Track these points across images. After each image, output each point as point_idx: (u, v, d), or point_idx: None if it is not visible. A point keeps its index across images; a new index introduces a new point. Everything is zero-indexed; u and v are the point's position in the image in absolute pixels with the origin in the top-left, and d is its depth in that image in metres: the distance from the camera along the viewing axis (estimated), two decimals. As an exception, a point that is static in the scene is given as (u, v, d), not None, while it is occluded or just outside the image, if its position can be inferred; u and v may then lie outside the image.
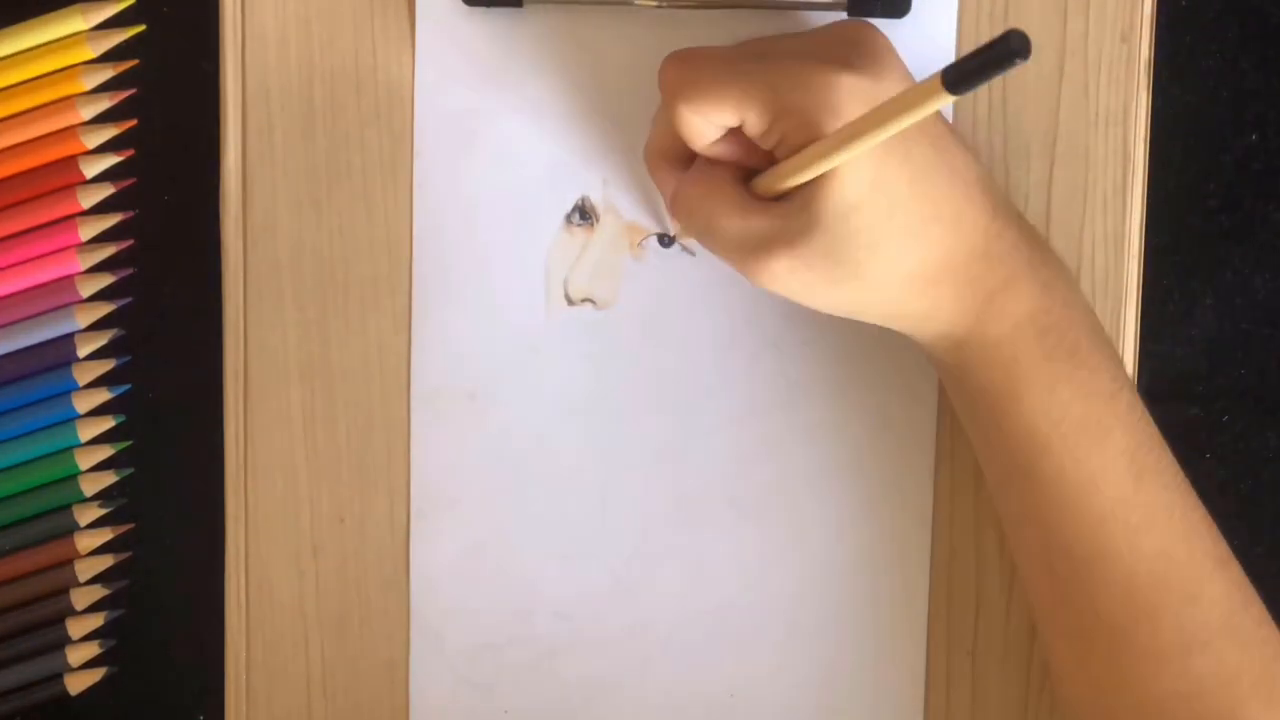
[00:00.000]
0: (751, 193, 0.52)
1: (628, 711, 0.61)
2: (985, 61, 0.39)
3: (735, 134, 0.52)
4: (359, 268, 0.59)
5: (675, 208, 0.54)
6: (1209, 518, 0.53)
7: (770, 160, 0.51)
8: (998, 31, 0.57)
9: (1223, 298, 0.60)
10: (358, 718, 0.61)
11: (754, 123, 0.50)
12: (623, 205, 0.59)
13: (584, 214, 0.59)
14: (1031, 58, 0.57)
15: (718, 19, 0.58)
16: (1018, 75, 0.58)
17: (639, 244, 0.59)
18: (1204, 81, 0.60)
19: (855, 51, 0.50)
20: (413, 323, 0.59)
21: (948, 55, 0.58)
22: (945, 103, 0.42)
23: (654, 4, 0.58)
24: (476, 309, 0.59)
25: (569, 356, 0.59)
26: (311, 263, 0.59)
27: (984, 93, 0.58)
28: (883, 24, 0.57)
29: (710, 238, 0.53)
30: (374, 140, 0.59)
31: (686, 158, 0.54)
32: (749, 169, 0.52)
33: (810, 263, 0.50)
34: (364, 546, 0.60)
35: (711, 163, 0.53)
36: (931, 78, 0.41)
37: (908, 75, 0.51)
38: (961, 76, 0.40)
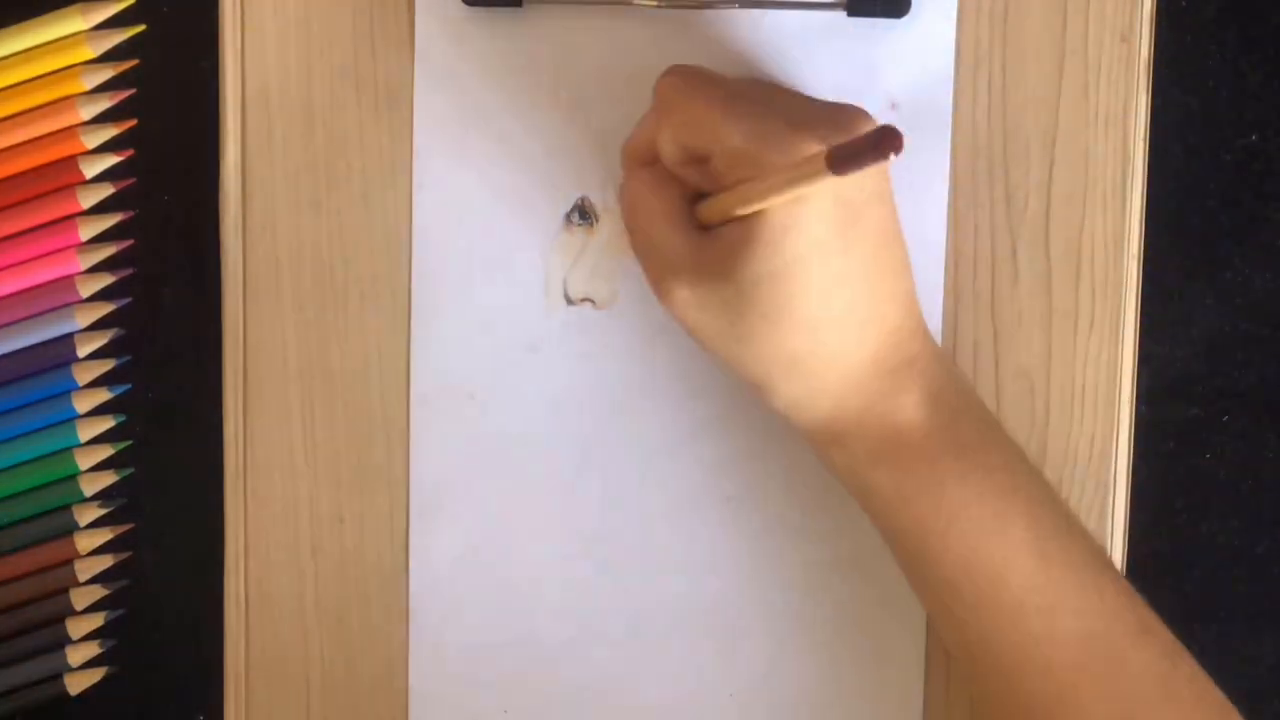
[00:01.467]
0: (693, 216, 0.52)
1: (626, 711, 0.61)
2: (861, 153, 0.42)
3: (700, 162, 0.51)
4: (358, 267, 0.59)
5: (621, 197, 0.54)
6: (1128, 588, 0.52)
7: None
8: (997, 33, 0.58)
9: (1223, 298, 0.60)
10: (357, 717, 0.61)
11: (720, 160, 0.50)
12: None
13: (584, 214, 0.59)
14: (1031, 57, 0.58)
15: (717, 19, 0.58)
16: (1018, 75, 0.58)
17: (639, 244, 0.59)
18: (1204, 81, 0.59)
19: (831, 121, 0.50)
20: (412, 322, 0.59)
21: (947, 55, 0.58)
22: (817, 184, 0.45)
23: (654, 4, 0.58)
24: (476, 309, 0.59)
25: (568, 356, 0.59)
26: (311, 262, 0.59)
27: (984, 92, 0.58)
28: (882, 24, 0.57)
29: (638, 238, 0.53)
30: (373, 140, 0.59)
31: (658, 162, 0.54)
32: (703, 194, 0.52)
33: (705, 303, 0.50)
34: (363, 546, 0.60)
35: (662, 171, 0.53)
36: (815, 157, 0.43)
37: (881, 170, 0.50)
38: (842, 158, 0.42)
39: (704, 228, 0.51)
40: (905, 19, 0.57)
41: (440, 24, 0.58)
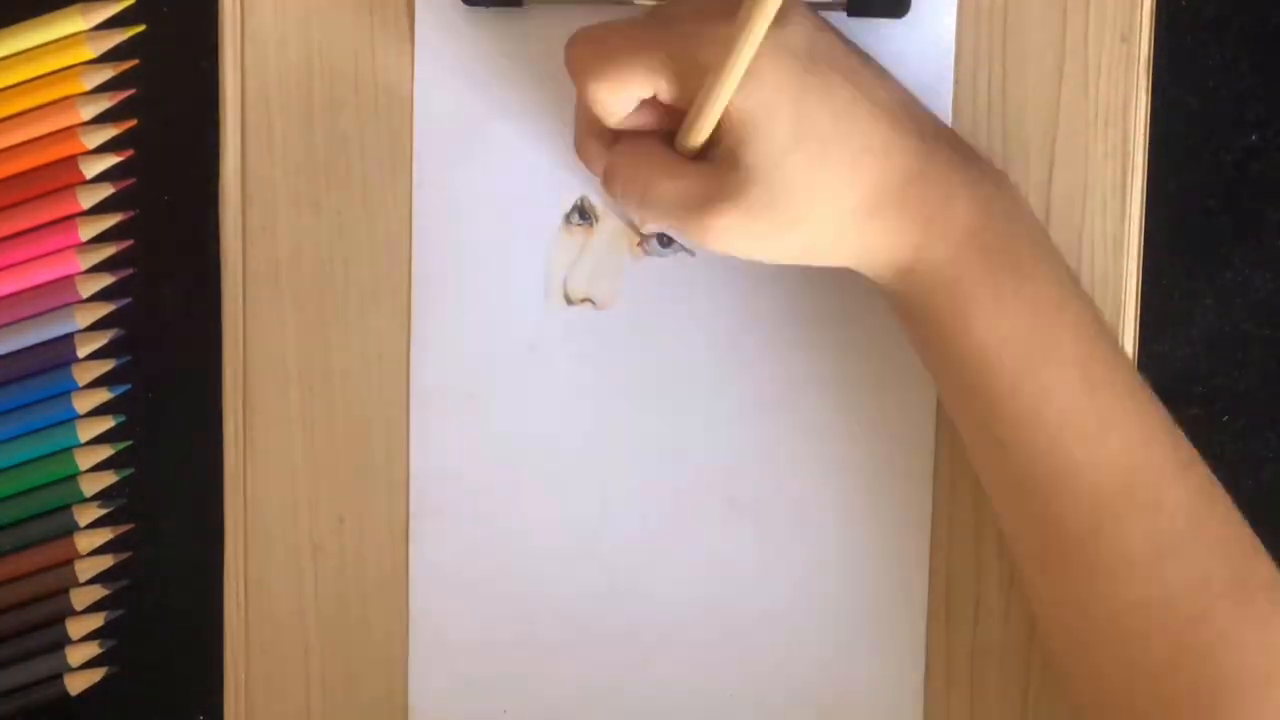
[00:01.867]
0: (680, 155, 0.52)
1: (627, 711, 0.61)
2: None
3: (651, 102, 0.52)
4: (358, 267, 0.59)
5: (608, 182, 0.54)
6: (1170, 421, 0.52)
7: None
8: (997, 33, 0.58)
9: (1223, 298, 0.60)
10: (357, 717, 0.61)
11: (666, 89, 0.50)
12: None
13: (583, 214, 0.59)
14: (1031, 56, 0.58)
15: (717, 19, 0.58)
16: (1017, 75, 0.58)
17: (638, 244, 0.59)
18: (1204, 81, 0.59)
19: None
20: (412, 322, 0.59)
21: (947, 55, 0.58)
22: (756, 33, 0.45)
23: (652, 4, 0.57)
24: (476, 309, 0.59)
25: (568, 356, 0.59)
26: (311, 262, 0.59)
27: (984, 92, 0.58)
28: (882, 24, 0.57)
29: (648, 206, 0.53)
30: (373, 140, 0.59)
31: (614, 138, 0.54)
32: (673, 134, 0.52)
33: (755, 214, 0.50)
34: (363, 546, 0.60)
35: (636, 134, 0.53)
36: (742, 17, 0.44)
37: (807, 14, 0.51)
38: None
39: (695, 158, 0.52)
40: (905, 19, 0.57)
41: (440, 24, 0.58)
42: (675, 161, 0.52)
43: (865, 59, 0.52)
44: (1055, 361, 0.51)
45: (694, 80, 0.50)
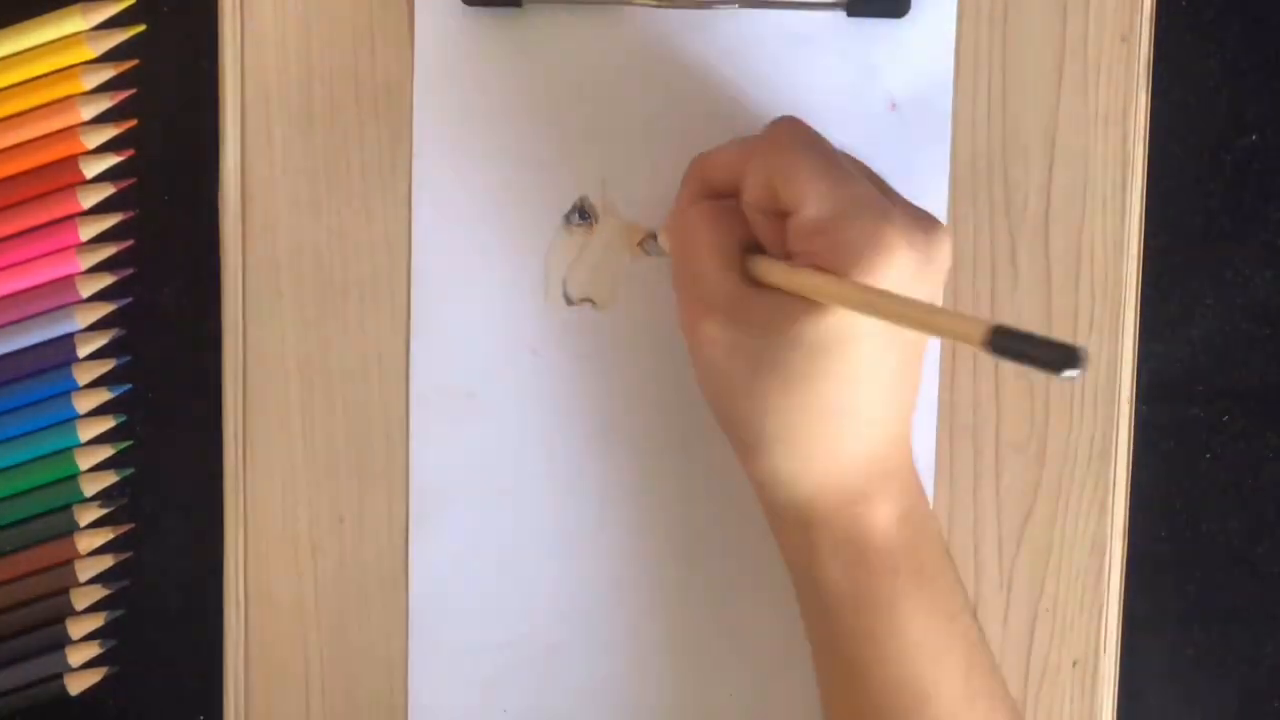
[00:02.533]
0: (740, 259, 0.51)
1: (625, 711, 0.61)
2: (1033, 352, 0.39)
3: (780, 216, 0.50)
4: (358, 267, 0.59)
5: (681, 217, 0.53)
6: None
7: (773, 248, 0.51)
8: (997, 33, 0.58)
9: (1223, 298, 0.60)
10: (356, 717, 0.61)
11: (803, 224, 0.49)
12: (622, 206, 0.59)
13: (583, 214, 0.59)
14: (1031, 57, 0.58)
15: (716, 19, 0.58)
16: (1017, 75, 0.58)
17: (638, 244, 0.59)
18: (1204, 81, 0.60)
19: (920, 229, 0.49)
20: (412, 322, 0.59)
21: (947, 55, 0.58)
22: (971, 345, 0.41)
23: (652, 4, 0.58)
24: (475, 309, 0.59)
25: (568, 357, 0.59)
26: (310, 262, 0.59)
27: (984, 92, 0.58)
28: (881, 24, 0.57)
29: (684, 266, 0.52)
30: (373, 140, 0.59)
31: (728, 187, 0.53)
32: (755, 240, 0.51)
33: (733, 350, 0.50)
34: (363, 546, 0.60)
35: (731, 208, 0.52)
36: (977, 322, 0.41)
37: (944, 275, 0.50)
38: (1003, 345, 0.40)
39: (752, 279, 0.51)
40: (905, 19, 0.57)
41: (440, 24, 0.58)
42: (734, 259, 0.51)
43: (923, 351, 0.52)
44: (941, 667, 0.52)
45: (826, 239, 0.48)
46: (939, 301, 0.50)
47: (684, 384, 0.59)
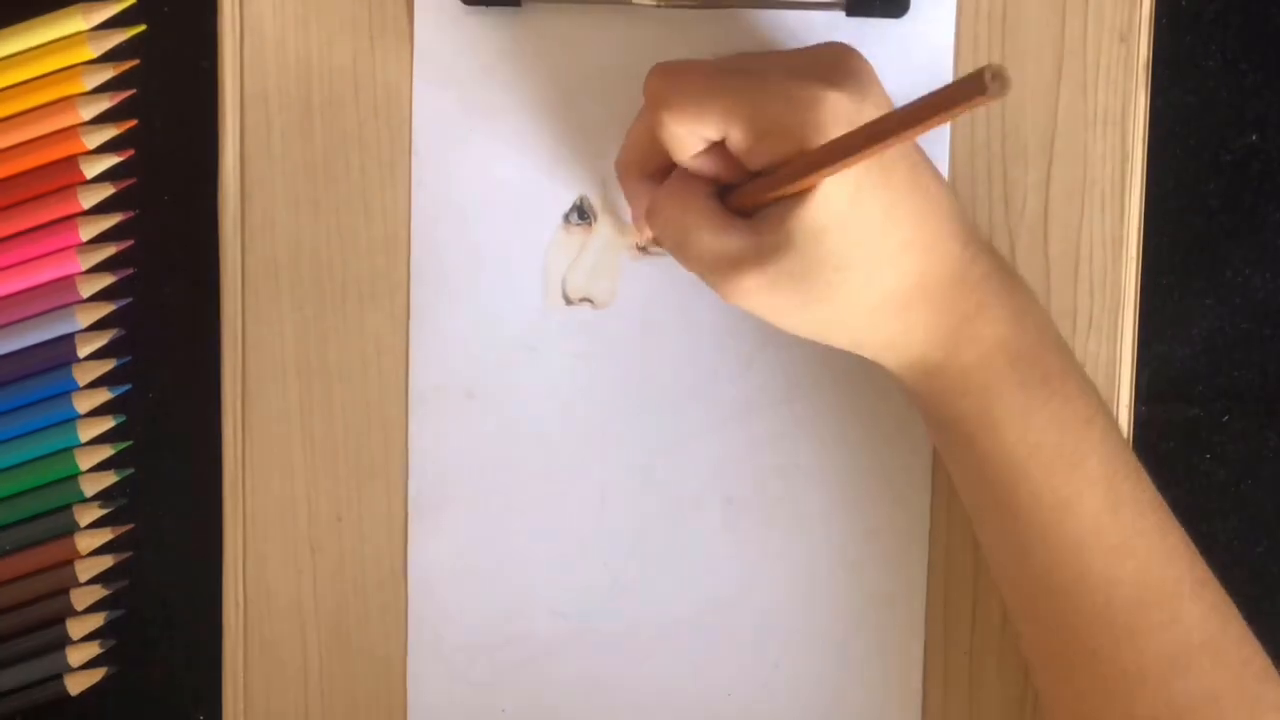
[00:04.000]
0: (727, 208, 0.52)
1: (625, 710, 0.61)
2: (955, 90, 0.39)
3: (714, 149, 0.51)
4: (357, 266, 0.59)
5: (651, 219, 0.54)
6: (1187, 539, 0.53)
7: (745, 178, 0.51)
8: (996, 33, 0.58)
9: (1223, 298, 0.60)
10: (355, 716, 0.61)
11: (737, 138, 0.50)
12: (621, 205, 0.59)
13: (582, 213, 0.59)
14: (1030, 56, 0.58)
15: (716, 19, 0.58)
16: (1016, 75, 0.58)
17: (637, 244, 0.59)
18: (1204, 81, 0.59)
19: (839, 71, 0.50)
20: (410, 321, 0.59)
21: (946, 55, 0.58)
22: (933, 126, 0.41)
23: (652, 4, 0.58)
24: (474, 308, 0.59)
25: (567, 356, 0.59)
26: (309, 261, 0.59)
27: (982, 92, 0.58)
28: (881, 24, 0.57)
29: (683, 251, 0.52)
30: (372, 139, 0.59)
31: (659, 170, 0.54)
32: (724, 184, 0.52)
33: (778, 282, 0.50)
34: (361, 545, 0.60)
35: (688, 176, 0.52)
36: (887, 119, 0.42)
37: (887, 98, 0.51)
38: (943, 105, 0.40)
39: (741, 213, 0.51)
40: (904, 19, 0.57)
41: (439, 23, 0.58)
42: (720, 215, 0.51)
43: (926, 159, 0.52)
44: (1080, 477, 0.52)
45: (768, 136, 0.49)
46: (889, 104, 0.50)
47: (682, 383, 0.59)
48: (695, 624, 0.60)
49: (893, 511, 0.59)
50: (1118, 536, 0.52)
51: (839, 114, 0.48)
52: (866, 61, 0.51)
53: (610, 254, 0.59)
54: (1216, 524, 0.60)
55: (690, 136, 0.51)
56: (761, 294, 0.51)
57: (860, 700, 0.60)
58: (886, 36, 0.58)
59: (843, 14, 0.57)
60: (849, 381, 0.59)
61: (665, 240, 0.53)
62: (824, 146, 0.47)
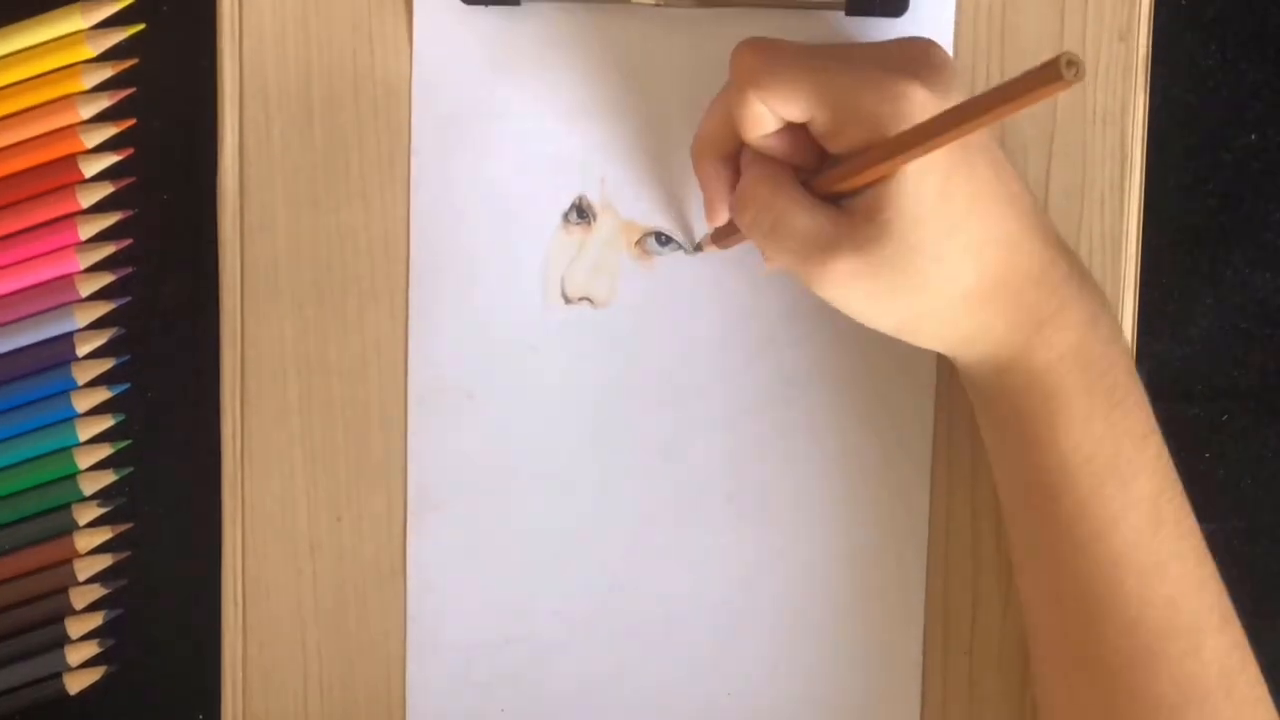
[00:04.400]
0: (809, 193, 0.51)
1: (624, 711, 0.60)
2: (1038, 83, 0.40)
3: (790, 131, 0.51)
4: (356, 265, 0.59)
5: (742, 204, 0.53)
6: (1217, 573, 0.53)
7: (817, 162, 0.51)
8: (995, 32, 0.58)
9: (1223, 298, 0.60)
10: (354, 715, 0.61)
11: (822, 121, 0.50)
12: (621, 204, 0.59)
13: (581, 213, 0.59)
14: (1029, 55, 0.58)
15: (716, 18, 0.58)
16: (1015, 73, 0.58)
17: (636, 243, 0.59)
18: (1203, 81, 0.59)
19: (926, 66, 0.50)
20: (410, 321, 0.59)
21: (946, 54, 0.58)
22: (1010, 113, 0.42)
23: (652, 3, 0.58)
24: (474, 307, 0.59)
25: (566, 355, 0.59)
26: (308, 260, 0.59)
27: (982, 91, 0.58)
28: (881, 24, 0.57)
29: (775, 236, 0.51)
30: (371, 138, 0.59)
31: (734, 152, 0.54)
32: (799, 169, 0.52)
33: (877, 269, 0.50)
34: (361, 544, 0.60)
35: (772, 161, 0.52)
36: (1042, 70, 0.41)
37: (952, 71, 0.51)
38: (1013, 96, 0.42)
39: (828, 198, 0.51)
40: (904, 19, 0.58)
41: (438, 22, 0.58)
42: (810, 199, 0.51)
43: (1005, 159, 0.52)
44: (1130, 492, 0.52)
45: (855, 125, 0.49)
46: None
47: (681, 381, 0.59)
48: (695, 624, 0.60)
49: (893, 511, 0.59)
50: (1154, 557, 0.52)
51: (926, 107, 0.48)
52: (950, 57, 0.51)
53: (610, 253, 0.59)
54: (1216, 524, 0.60)
55: (769, 115, 0.51)
56: (856, 281, 0.50)
57: (860, 699, 0.60)
58: (886, 36, 0.58)
59: (842, 14, 0.57)
60: (848, 380, 0.59)
61: (755, 227, 0.52)
62: (909, 131, 0.47)
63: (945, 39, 0.58)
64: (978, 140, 0.50)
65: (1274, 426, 0.60)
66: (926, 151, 0.47)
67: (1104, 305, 0.53)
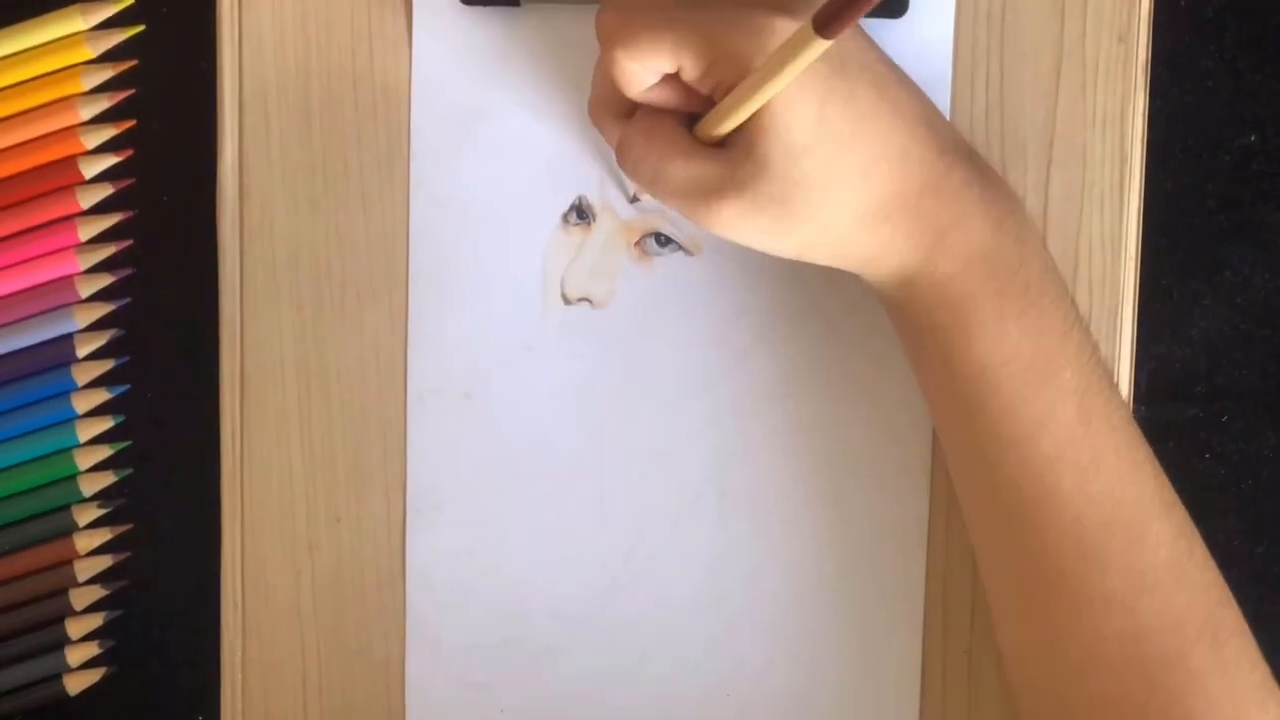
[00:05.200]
0: (696, 138, 0.52)
1: (624, 710, 0.60)
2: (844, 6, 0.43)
3: (672, 80, 0.52)
4: (355, 267, 0.59)
5: (621, 155, 0.54)
6: (1155, 460, 0.53)
7: (710, 105, 0.51)
8: (995, 32, 0.58)
9: (1223, 298, 0.60)
10: (354, 716, 0.61)
11: (690, 67, 0.50)
12: (620, 204, 0.59)
13: (581, 213, 0.59)
14: (1029, 57, 0.58)
15: (715, 19, 0.58)
16: (1015, 75, 0.58)
17: (636, 243, 0.59)
18: (1203, 81, 0.59)
19: None
20: (409, 322, 0.59)
21: (945, 55, 0.58)
22: (813, 55, 0.45)
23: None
24: (473, 308, 0.59)
25: (565, 356, 0.59)
26: (308, 262, 0.59)
27: (981, 92, 0.58)
28: (880, 24, 0.57)
29: (658, 185, 0.52)
30: (371, 139, 0.59)
31: (630, 109, 0.54)
32: (691, 116, 0.52)
33: (760, 206, 0.50)
34: (360, 545, 0.60)
35: (654, 110, 0.53)
36: (802, 33, 0.44)
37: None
38: (828, 21, 0.44)
39: (712, 143, 0.52)
40: (903, 19, 0.57)
41: (437, 23, 0.58)
42: (690, 144, 0.52)
43: (893, 67, 0.52)
44: (1054, 390, 0.51)
45: (722, 65, 0.50)
46: None
47: (681, 382, 0.59)
48: (693, 623, 0.60)
49: (891, 509, 0.59)
50: (1089, 453, 0.51)
51: (787, 37, 0.48)
52: None
53: (609, 254, 0.59)
54: (1216, 524, 0.60)
55: (643, 71, 0.51)
56: (743, 220, 0.51)
57: (858, 699, 0.60)
58: (885, 36, 0.58)
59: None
60: (847, 378, 0.59)
61: (639, 177, 0.53)
62: (765, 62, 0.48)
63: (945, 39, 0.58)
64: (858, 59, 0.50)
65: (1274, 426, 0.60)
66: (789, 79, 0.47)
67: (1012, 206, 0.52)
